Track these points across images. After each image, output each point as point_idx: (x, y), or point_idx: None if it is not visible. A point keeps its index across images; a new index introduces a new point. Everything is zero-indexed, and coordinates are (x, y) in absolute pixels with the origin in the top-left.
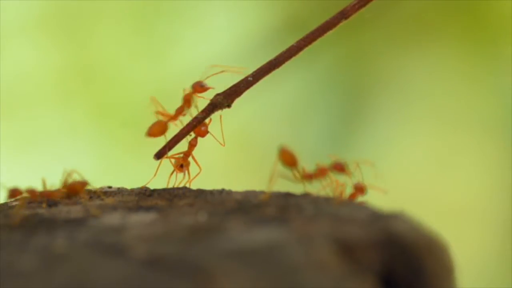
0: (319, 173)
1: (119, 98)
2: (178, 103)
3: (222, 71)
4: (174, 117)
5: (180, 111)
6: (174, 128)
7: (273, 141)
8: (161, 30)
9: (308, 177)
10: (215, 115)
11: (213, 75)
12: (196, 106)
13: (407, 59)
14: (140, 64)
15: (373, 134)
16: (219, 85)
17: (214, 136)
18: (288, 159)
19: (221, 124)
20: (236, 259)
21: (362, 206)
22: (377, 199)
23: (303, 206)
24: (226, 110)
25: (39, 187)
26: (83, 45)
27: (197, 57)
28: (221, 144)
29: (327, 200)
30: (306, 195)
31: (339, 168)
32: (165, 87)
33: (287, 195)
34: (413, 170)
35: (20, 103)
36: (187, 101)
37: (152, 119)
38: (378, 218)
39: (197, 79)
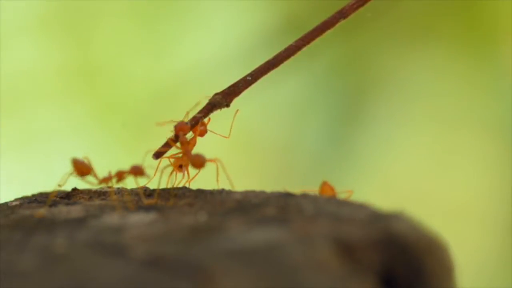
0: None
1: (120, 97)
2: (178, 102)
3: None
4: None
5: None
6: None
7: (273, 141)
8: (162, 30)
9: (104, 180)
10: (218, 122)
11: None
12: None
13: (406, 59)
14: (141, 63)
15: (373, 134)
16: (218, 85)
17: (214, 132)
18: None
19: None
20: (236, 259)
21: (362, 206)
22: (377, 199)
23: (303, 206)
24: (225, 109)
25: (38, 186)
26: (85, 44)
27: (197, 56)
28: (225, 137)
29: (327, 200)
30: (306, 195)
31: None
32: (166, 86)
33: (287, 195)
34: (413, 170)
35: (21, 102)
36: (186, 142)
37: (153, 119)
38: (378, 218)
39: (196, 80)
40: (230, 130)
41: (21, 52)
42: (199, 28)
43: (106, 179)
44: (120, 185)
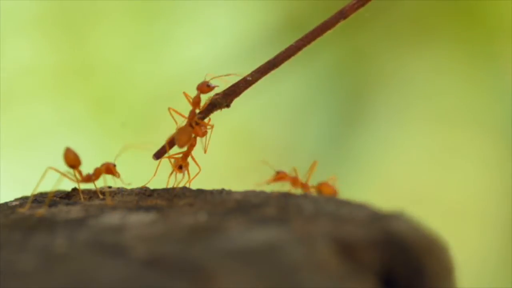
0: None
1: (118, 96)
2: (177, 101)
3: (228, 75)
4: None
5: (193, 115)
6: (173, 128)
7: (273, 141)
8: (160, 29)
9: (86, 179)
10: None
11: (219, 76)
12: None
13: (406, 59)
14: (138, 61)
15: (373, 134)
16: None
17: (207, 139)
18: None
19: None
20: (236, 259)
21: (362, 206)
22: (377, 199)
23: (303, 206)
24: (225, 109)
25: (34, 185)
26: (82, 42)
27: (196, 56)
28: (204, 150)
29: (327, 200)
30: (306, 195)
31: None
32: (164, 85)
33: (287, 195)
34: (413, 170)
35: (19, 100)
36: (197, 103)
37: (151, 119)
38: (378, 218)
39: (196, 79)
40: (206, 146)
41: (18, 51)
42: (199, 28)
43: (86, 179)
44: (98, 183)
